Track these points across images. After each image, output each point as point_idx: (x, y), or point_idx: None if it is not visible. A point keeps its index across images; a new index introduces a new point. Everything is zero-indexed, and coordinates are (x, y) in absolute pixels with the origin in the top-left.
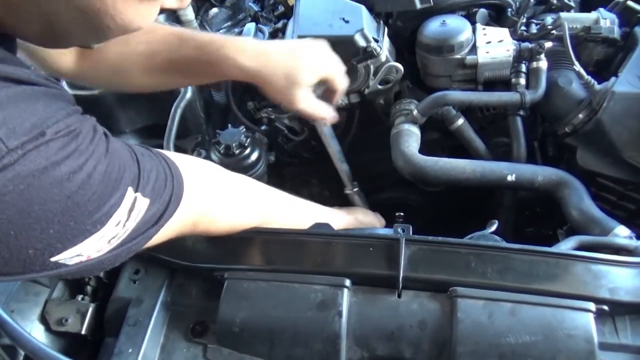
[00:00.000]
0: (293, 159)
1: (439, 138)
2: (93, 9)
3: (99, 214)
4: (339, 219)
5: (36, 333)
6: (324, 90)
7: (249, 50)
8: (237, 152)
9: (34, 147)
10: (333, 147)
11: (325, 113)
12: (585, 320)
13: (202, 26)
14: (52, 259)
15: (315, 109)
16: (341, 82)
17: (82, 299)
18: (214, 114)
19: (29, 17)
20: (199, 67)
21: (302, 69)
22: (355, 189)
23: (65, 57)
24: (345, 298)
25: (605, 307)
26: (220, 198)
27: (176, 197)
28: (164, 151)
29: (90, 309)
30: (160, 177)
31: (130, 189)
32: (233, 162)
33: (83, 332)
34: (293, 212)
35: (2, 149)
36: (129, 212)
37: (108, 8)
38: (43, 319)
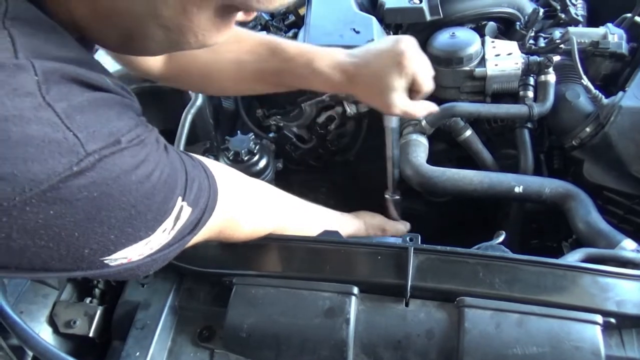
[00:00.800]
0: (300, 166)
1: (447, 149)
2: (178, 27)
3: (154, 221)
4: (348, 223)
5: (44, 335)
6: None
7: (339, 64)
8: (245, 158)
9: (110, 154)
10: (393, 150)
11: (421, 112)
12: (592, 333)
13: None
14: (101, 259)
15: (412, 110)
16: (427, 84)
17: (91, 301)
18: (222, 121)
19: (112, 28)
20: (288, 78)
21: (393, 75)
22: (396, 197)
23: (154, 60)
24: (353, 306)
25: (613, 320)
26: (246, 205)
27: (211, 206)
28: (200, 158)
29: (99, 312)
30: (201, 186)
31: (179, 198)
32: (241, 168)
33: (91, 334)
34: (306, 217)
35: (81, 152)
36: (175, 220)
37: (193, 25)
38: (51, 321)
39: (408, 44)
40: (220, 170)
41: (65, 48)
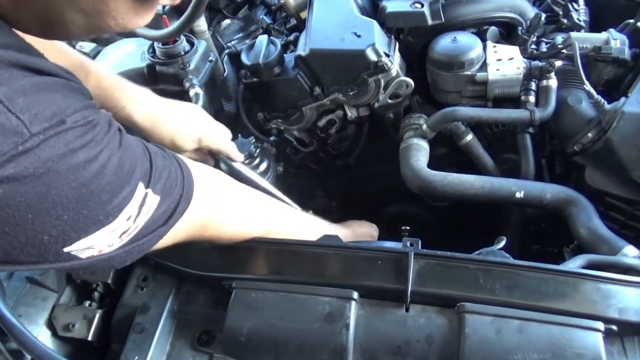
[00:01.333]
0: (301, 170)
1: (447, 153)
2: (96, 11)
3: (111, 205)
4: (336, 231)
5: (43, 338)
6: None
7: (143, 109)
8: (246, 162)
9: (55, 134)
10: (259, 180)
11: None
12: (594, 340)
13: (214, 37)
14: (65, 249)
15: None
16: (221, 144)
17: (90, 305)
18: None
19: (31, 13)
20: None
21: (184, 137)
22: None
23: None
24: (353, 310)
25: (614, 327)
26: (229, 205)
27: (186, 197)
28: (180, 156)
29: (97, 315)
30: (171, 176)
31: (141, 184)
32: None
33: (89, 338)
34: (297, 224)
35: (25, 133)
36: (140, 207)
37: (110, 10)
38: (50, 324)
39: (200, 113)
40: (200, 168)
41: (1, 35)
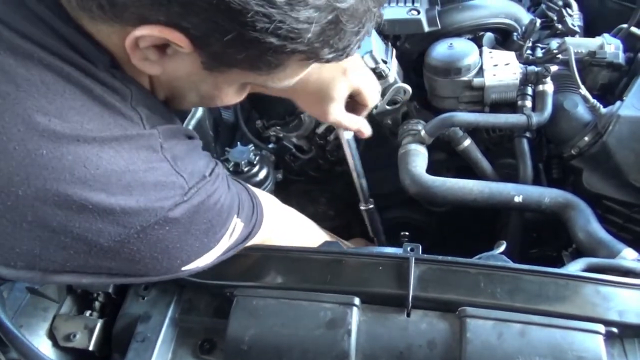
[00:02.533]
0: (300, 177)
1: (445, 158)
2: (210, 96)
3: (219, 234)
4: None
5: (44, 348)
6: (354, 103)
7: None
8: (245, 169)
9: (202, 186)
10: (354, 160)
11: (357, 126)
12: (594, 343)
13: None
14: (183, 268)
15: (347, 122)
16: (372, 98)
17: (90, 314)
18: (222, 132)
19: (163, 93)
20: None
21: (334, 84)
22: (370, 206)
23: None
24: (355, 317)
25: (615, 330)
26: (281, 226)
27: (259, 222)
28: (244, 183)
29: (98, 325)
30: (248, 205)
31: (235, 216)
32: (241, 179)
33: (91, 348)
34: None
35: (185, 187)
36: (231, 234)
37: (222, 95)
38: (51, 334)
39: (355, 58)
40: (261, 195)
41: (165, 113)
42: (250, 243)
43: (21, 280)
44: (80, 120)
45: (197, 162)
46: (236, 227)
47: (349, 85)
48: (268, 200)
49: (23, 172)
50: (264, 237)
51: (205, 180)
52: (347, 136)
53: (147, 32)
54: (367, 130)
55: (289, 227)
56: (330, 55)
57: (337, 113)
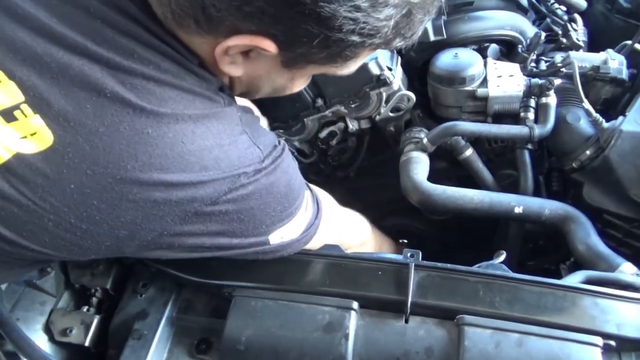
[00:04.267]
0: None
1: (447, 167)
2: (283, 87)
3: (297, 202)
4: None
5: (40, 342)
6: None
7: None
8: None
9: (275, 157)
10: None
11: None
12: (592, 355)
13: None
14: (270, 235)
15: None
16: None
17: (88, 310)
18: None
19: (240, 86)
20: None
21: None
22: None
23: None
24: (353, 321)
25: (612, 343)
26: (338, 226)
27: (321, 208)
28: None
29: (95, 321)
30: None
31: (305, 189)
32: None
33: (87, 343)
34: (377, 240)
35: (261, 156)
36: (306, 207)
37: (293, 86)
38: (47, 329)
39: None
40: (320, 193)
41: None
42: (317, 238)
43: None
44: (176, 106)
45: (267, 134)
46: (308, 202)
47: None
48: (325, 196)
49: (132, 149)
50: (327, 235)
51: (275, 149)
52: None
53: (239, 41)
54: None
55: (347, 226)
56: (400, 43)
57: None
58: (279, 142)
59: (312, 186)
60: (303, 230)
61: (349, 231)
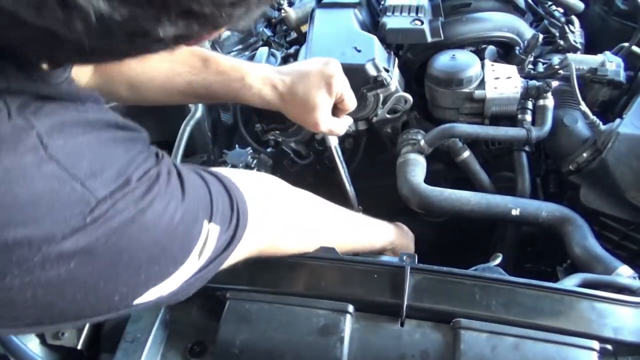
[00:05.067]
0: (297, 182)
1: (444, 169)
2: None
3: (181, 253)
4: (390, 233)
5: (32, 345)
6: (335, 109)
7: (270, 81)
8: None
9: (122, 197)
10: (342, 167)
11: (344, 129)
12: (589, 359)
13: (213, 47)
14: (135, 302)
15: (337, 128)
16: (353, 102)
17: None
18: (221, 134)
19: None
20: (219, 92)
21: (322, 95)
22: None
23: (82, 72)
24: (348, 324)
25: (609, 347)
26: (288, 224)
27: (243, 220)
28: (220, 169)
29: (87, 324)
30: (226, 201)
31: (205, 221)
32: None
33: (79, 346)
34: (357, 231)
35: (92, 200)
36: (204, 244)
37: None
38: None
39: (336, 66)
40: (249, 181)
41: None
42: (244, 248)
43: None
44: None
45: (115, 161)
46: (210, 233)
47: (334, 93)
48: (273, 190)
49: None
50: (266, 239)
51: (128, 187)
52: (333, 143)
53: None
54: (350, 121)
55: (306, 224)
56: None
57: (327, 122)
58: (146, 173)
59: (235, 191)
60: (191, 276)
61: (300, 236)
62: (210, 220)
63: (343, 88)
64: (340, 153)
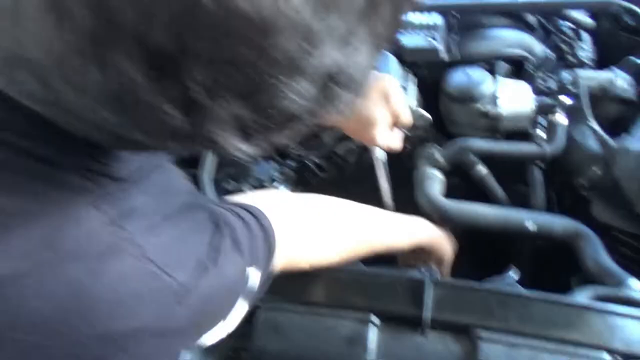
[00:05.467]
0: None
1: (458, 183)
2: None
3: (232, 300)
4: (425, 230)
5: None
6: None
7: None
8: (267, 186)
9: (202, 279)
10: (384, 181)
11: (400, 143)
12: None
13: None
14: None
15: (393, 143)
16: (409, 118)
17: None
18: None
19: None
20: None
21: (380, 111)
22: None
23: None
24: (373, 335)
25: (620, 359)
26: (305, 243)
27: (272, 253)
28: (251, 198)
29: None
30: (262, 242)
31: (247, 268)
32: None
33: None
34: (385, 234)
35: (181, 290)
36: (246, 284)
37: None
38: None
39: (393, 82)
40: (273, 209)
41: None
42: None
43: None
44: None
45: (192, 248)
46: (252, 276)
47: (392, 110)
48: (284, 211)
49: None
50: (285, 260)
51: (205, 270)
52: (380, 156)
53: None
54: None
55: (319, 236)
56: None
57: (384, 137)
58: (217, 247)
59: (266, 223)
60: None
61: (319, 251)
62: (255, 266)
63: (400, 104)
64: (386, 166)
